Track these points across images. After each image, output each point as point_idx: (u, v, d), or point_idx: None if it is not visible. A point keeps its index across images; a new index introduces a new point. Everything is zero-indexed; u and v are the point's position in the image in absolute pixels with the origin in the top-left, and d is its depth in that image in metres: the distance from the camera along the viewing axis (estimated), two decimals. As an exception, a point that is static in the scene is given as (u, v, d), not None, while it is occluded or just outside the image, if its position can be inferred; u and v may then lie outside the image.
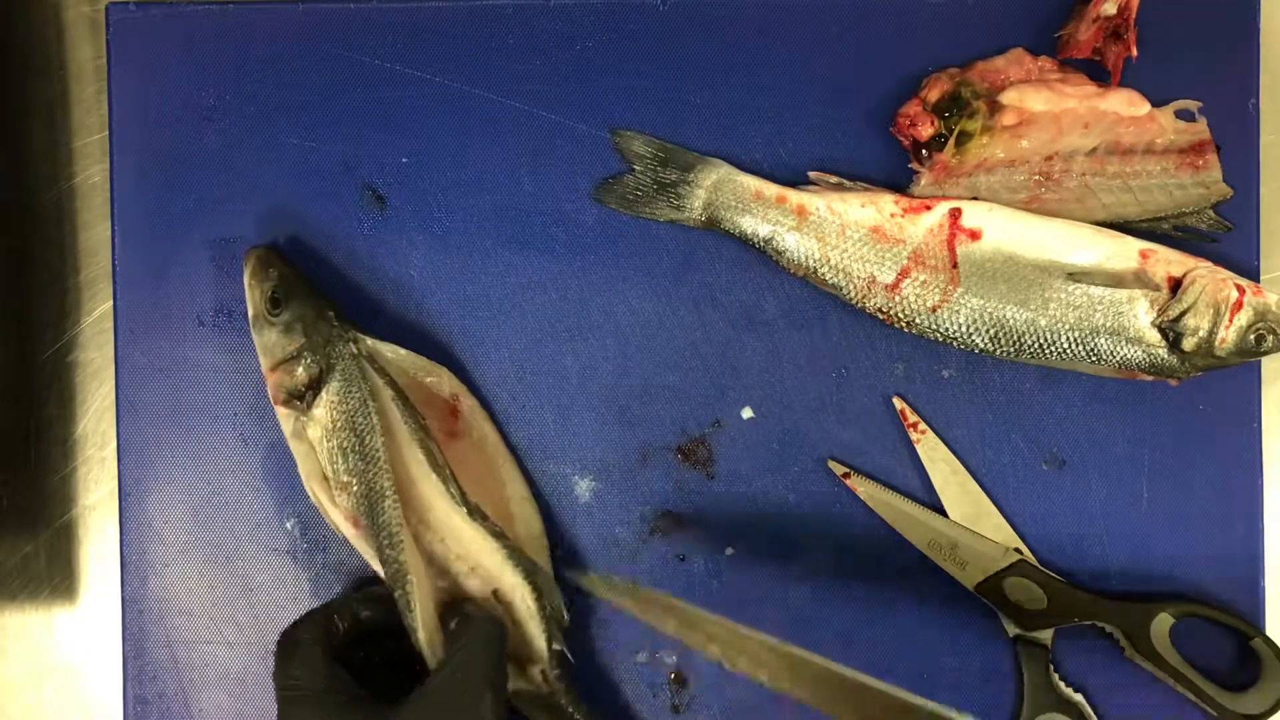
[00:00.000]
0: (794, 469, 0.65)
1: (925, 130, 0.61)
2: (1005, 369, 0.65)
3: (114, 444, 0.67)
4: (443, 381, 0.64)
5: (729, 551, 0.66)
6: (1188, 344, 0.60)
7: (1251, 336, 0.60)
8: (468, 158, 0.66)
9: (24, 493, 0.71)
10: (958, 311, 0.61)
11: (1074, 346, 0.61)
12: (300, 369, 0.61)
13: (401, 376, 0.62)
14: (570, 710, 0.62)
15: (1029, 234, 0.61)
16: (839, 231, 0.62)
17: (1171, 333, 0.60)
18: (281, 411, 0.62)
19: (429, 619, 0.59)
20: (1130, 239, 0.61)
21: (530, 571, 0.62)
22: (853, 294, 0.62)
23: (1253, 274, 0.63)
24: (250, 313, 0.63)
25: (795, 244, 0.62)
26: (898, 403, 0.65)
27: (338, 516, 0.61)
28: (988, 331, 0.61)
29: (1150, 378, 0.62)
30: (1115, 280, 0.60)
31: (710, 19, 0.65)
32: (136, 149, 0.66)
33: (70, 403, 0.70)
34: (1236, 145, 0.63)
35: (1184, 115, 0.62)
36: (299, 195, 0.66)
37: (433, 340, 0.66)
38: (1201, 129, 0.62)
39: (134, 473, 0.66)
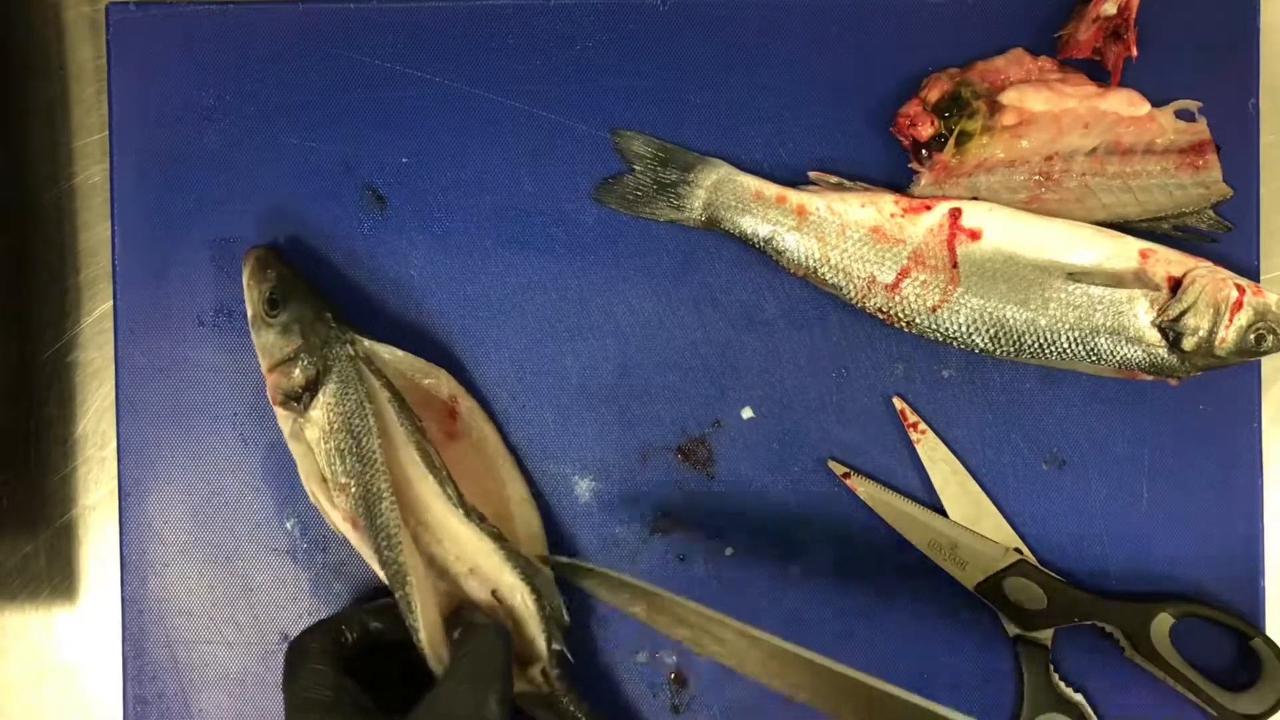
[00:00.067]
0: (794, 469, 0.65)
1: (925, 130, 0.61)
2: (1005, 369, 0.65)
3: (114, 444, 0.67)
4: (441, 383, 0.64)
5: (729, 551, 0.66)
6: (1188, 344, 0.60)
7: (1251, 336, 0.60)
8: (468, 158, 0.66)
9: (24, 493, 0.71)
10: (958, 311, 0.61)
11: (1074, 346, 0.61)
12: (297, 370, 0.61)
13: (399, 378, 0.62)
14: (572, 709, 0.62)
15: (1029, 234, 0.61)
16: (839, 231, 0.62)
17: (1171, 332, 0.60)
18: (280, 412, 0.62)
19: (430, 619, 0.59)
20: (1130, 239, 0.61)
21: (528, 572, 0.61)
22: (853, 294, 0.62)
23: (1253, 274, 0.63)
24: (249, 313, 0.63)
25: (795, 244, 0.62)
26: (898, 403, 0.65)
27: (337, 517, 0.61)
28: (988, 331, 0.61)
29: (1150, 378, 0.62)
30: (1115, 280, 0.60)
31: (710, 19, 0.65)
32: (136, 149, 0.66)
33: (70, 403, 0.70)
34: (1236, 145, 0.63)
35: (1184, 115, 0.62)
36: (299, 195, 0.66)
37: (432, 340, 0.66)
38: (1201, 129, 0.62)
39: (134, 473, 0.66)
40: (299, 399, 0.61)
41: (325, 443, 0.61)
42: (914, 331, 0.62)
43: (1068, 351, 0.61)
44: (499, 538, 0.61)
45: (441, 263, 0.66)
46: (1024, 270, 0.61)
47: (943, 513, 0.65)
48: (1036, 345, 0.61)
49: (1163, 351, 0.60)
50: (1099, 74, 0.62)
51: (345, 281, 0.66)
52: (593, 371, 0.66)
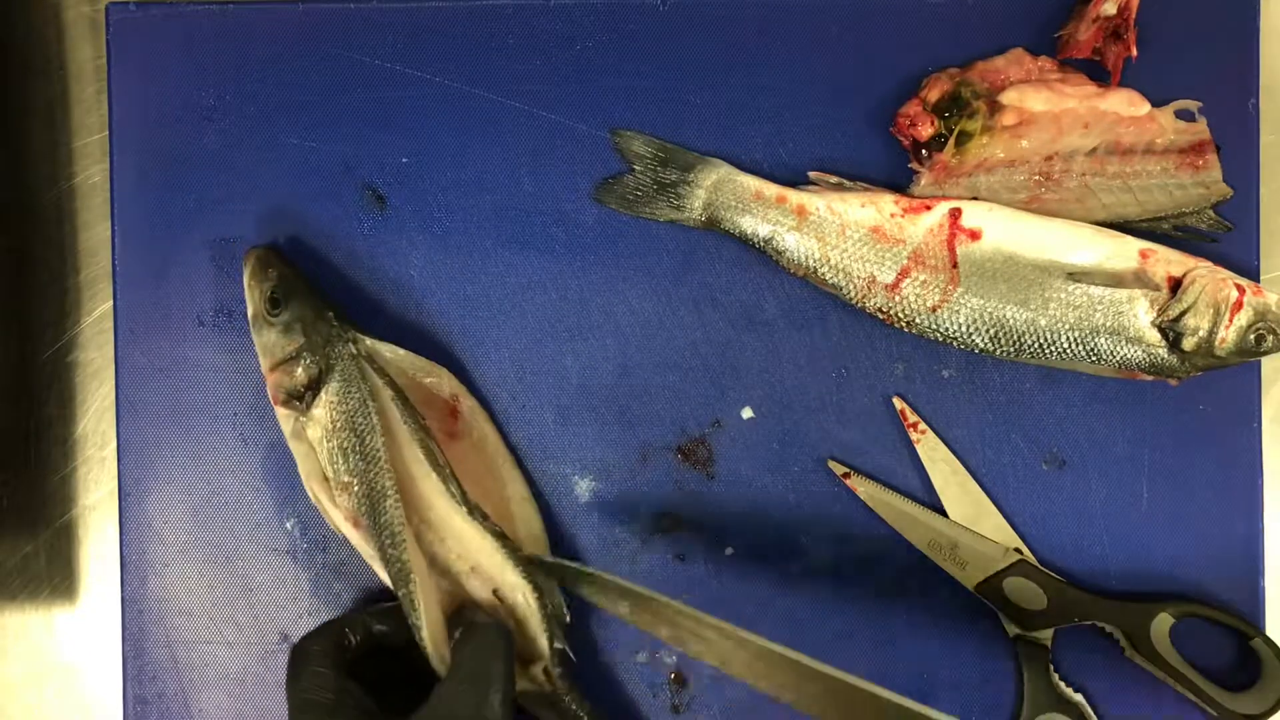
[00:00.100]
0: (794, 469, 0.65)
1: (925, 130, 0.61)
2: (1005, 369, 0.65)
3: (114, 444, 0.67)
4: (442, 382, 0.64)
5: (729, 551, 0.66)
6: (1188, 344, 0.60)
7: (1251, 336, 0.60)
8: (468, 158, 0.66)
9: (24, 493, 0.71)
10: (958, 311, 0.61)
11: (1074, 346, 0.61)
12: (299, 369, 0.61)
13: (401, 377, 0.63)
14: (574, 708, 0.62)
15: (1029, 234, 0.61)
16: (839, 231, 0.62)
17: (1171, 332, 0.60)
18: (281, 412, 0.62)
19: (433, 618, 0.59)
20: (1130, 239, 0.61)
21: (530, 570, 0.61)
22: (853, 294, 0.62)
23: (1253, 274, 0.63)
24: (250, 313, 0.63)
25: (795, 244, 0.62)
26: (898, 403, 0.65)
27: (338, 517, 0.61)
28: (988, 331, 0.61)
29: (1150, 378, 0.62)
30: (1115, 280, 0.60)
31: (710, 19, 0.65)
32: (136, 149, 0.66)
33: (70, 403, 0.70)
34: (1236, 145, 0.63)
35: (1184, 115, 0.62)
36: (299, 195, 0.66)
37: (433, 340, 0.66)
38: (1201, 129, 0.62)
39: (134, 473, 0.66)
40: (301, 398, 0.61)
41: (328, 441, 0.61)
42: (914, 331, 0.62)
43: (1068, 351, 0.61)
44: (501, 536, 0.61)
45: (441, 263, 0.66)
46: (1024, 270, 0.61)
47: (943, 513, 0.65)
48: (1036, 345, 0.61)
49: (1163, 351, 0.60)
50: (1099, 74, 0.62)
51: (345, 281, 0.66)
52: (593, 371, 0.66)
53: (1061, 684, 0.64)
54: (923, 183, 0.62)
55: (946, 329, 0.62)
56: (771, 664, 0.54)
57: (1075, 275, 0.60)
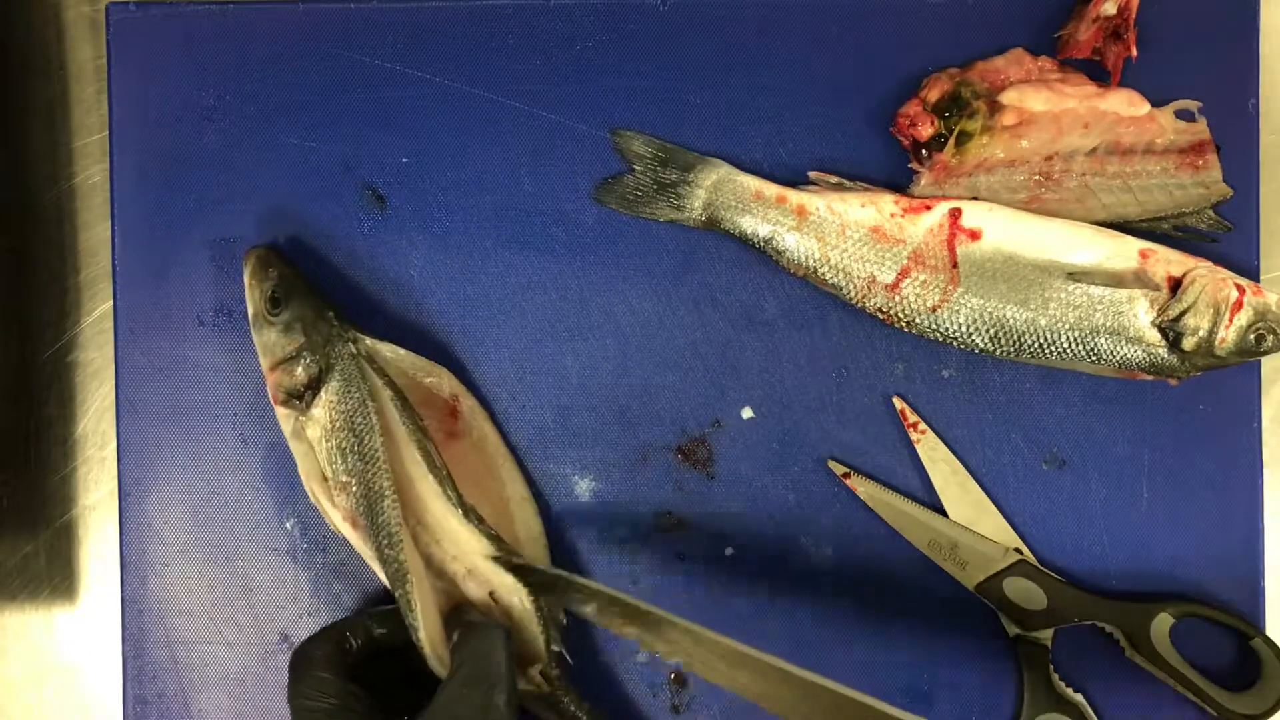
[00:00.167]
0: (794, 469, 0.65)
1: (925, 130, 0.61)
2: (1005, 369, 0.65)
3: (114, 444, 0.67)
4: (442, 382, 0.64)
5: (729, 551, 0.66)
6: (1188, 344, 0.60)
7: (1251, 336, 0.60)
8: (468, 158, 0.66)
9: (24, 493, 0.71)
10: (958, 311, 0.61)
11: (1074, 346, 0.61)
12: (299, 369, 0.61)
13: (401, 377, 0.63)
14: (573, 709, 0.62)
15: (1029, 234, 0.61)
16: (839, 231, 0.62)
17: (1171, 332, 0.60)
18: (281, 411, 0.62)
19: (430, 618, 0.59)
20: (1130, 239, 0.61)
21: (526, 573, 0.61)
22: (853, 294, 0.62)
23: (1253, 274, 0.63)
24: (250, 312, 0.63)
25: (795, 244, 0.62)
26: (898, 403, 0.65)
27: (337, 516, 0.61)
28: (988, 331, 0.61)
29: (1150, 378, 0.62)
30: (1115, 280, 0.60)
31: (710, 19, 0.65)
32: (136, 149, 0.66)
33: (70, 403, 0.70)
34: (1236, 145, 0.63)
35: (1184, 115, 0.62)
36: (299, 195, 0.66)
37: (433, 340, 0.66)
38: (1201, 129, 0.62)
39: (134, 473, 0.66)
40: (301, 397, 0.61)
41: (327, 441, 0.61)
42: (914, 331, 0.62)
43: (1068, 351, 0.61)
44: (496, 539, 0.61)
45: (441, 263, 0.66)
46: (1024, 270, 0.61)
47: (943, 513, 0.65)
48: (1036, 345, 0.61)
49: (1163, 351, 0.60)
50: (1099, 74, 0.62)
51: (345, 281, 0.66)
52: (593, 371, 0.66)
53: (1061, 684, 0.64)
54: (923, 183, 0.62)
55: (946, 329, 0.62)
56: (734, 664, 0.54)
57: (1075, 275, 0.60)
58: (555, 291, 0.66)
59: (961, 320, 0.61)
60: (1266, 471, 0.65)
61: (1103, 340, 0.61)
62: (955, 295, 0.61)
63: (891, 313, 0.62)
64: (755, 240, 0.63)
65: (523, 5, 0.65)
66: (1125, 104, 0.61)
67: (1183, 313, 0.59)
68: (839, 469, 0.65)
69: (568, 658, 0.63)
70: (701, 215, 0.64)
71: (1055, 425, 0.65)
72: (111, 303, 0.66)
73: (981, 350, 0.62)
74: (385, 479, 0.60)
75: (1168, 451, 0.65)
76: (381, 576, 0.60)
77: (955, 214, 0.61)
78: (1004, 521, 0.65)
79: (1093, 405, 0.65)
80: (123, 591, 0.66)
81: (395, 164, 0.66)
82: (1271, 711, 0.62)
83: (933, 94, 0.62)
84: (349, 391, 0.61)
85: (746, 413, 0.65)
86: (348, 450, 0.60)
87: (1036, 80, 0.62)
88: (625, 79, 0.65)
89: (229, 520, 0.66)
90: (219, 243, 0.66)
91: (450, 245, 0.66)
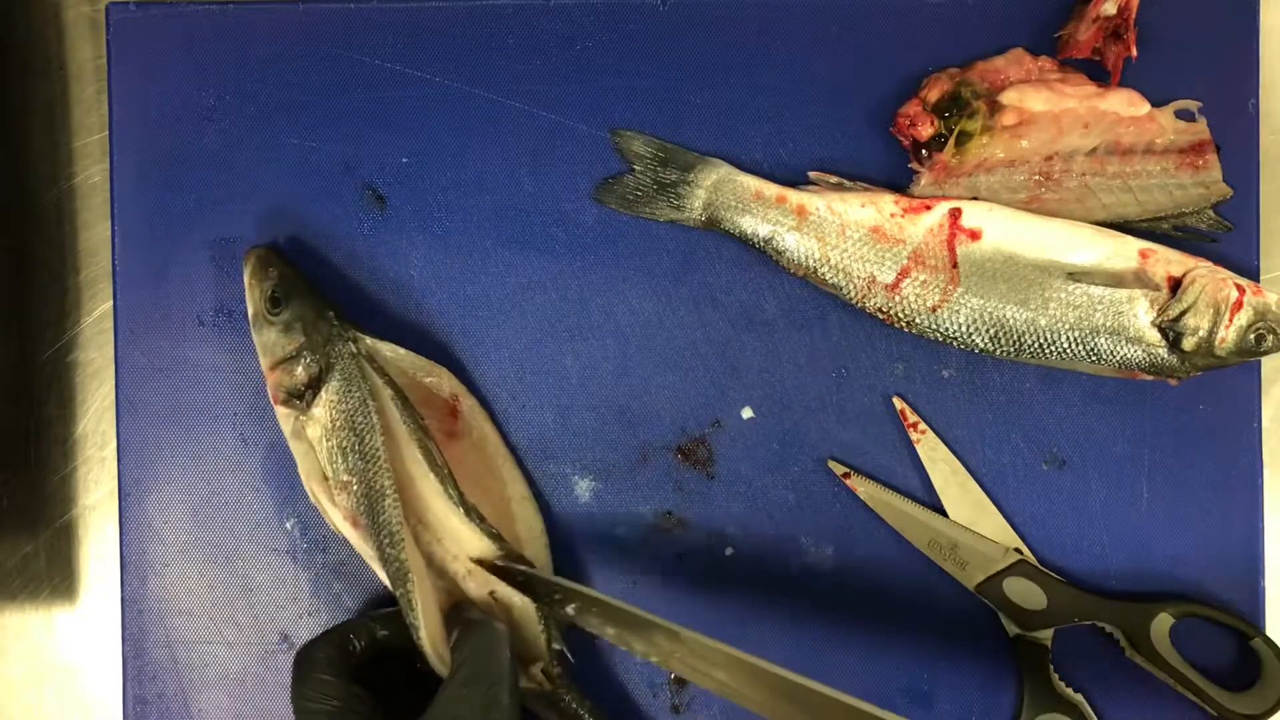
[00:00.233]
0: (794, 469, 0.65)
1: (925, 130, 0.61)
2: (1005, 369, 0.65)
3: (114, 444, 0.67)
4: (442, 381, 0.64)
5: (729, 551, 0.66)
6: (1188, 344, 0.60)
7: (1251, 336, 0.60)
8: (468, 158, 0.66)
9: (24, 493, 0.71)
10: (958, 311, 0.61)
11: (1074, 346, 0.61)
12: (300, 368, 0.61)
13: (401, 376, 0.63)
14: (574, 707, 0.62)
15: (1029, 234, 0.61)
16: (839, 231, 0.62)
17: (1171, 332, 0.60)
18: (281, 411, 0.62)
19: (431, 617, 0.59)
20: (1130, 239, 0.61)
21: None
22: (853, 294, 0.62)
23: (1253, 274, 0.63)
24: (250, 312, 0.63)
25: (795, 244, 0.62)
26: (898, 403, 0.65)
27: (337, 516, 0.61)
28: (988, 331, 0.61)
29: (1150, 378, 0.62)
30: (1115, 280, 0.60)
31: (710, 19, 0.65)
32: (136, 149, 0.66)
33: (70, 403, 0.70)
34: (1236, 145, 0.63)
35: (1184, 115, 0.62)
36: (299, 195, 0.66)
37: (433, 340, 0.66)
38: (1201, 129, 0.62)
39: (134, 473, 0.66)
40: (301, 397, 0.61)
41: (327, 440, 0.61)
42: (914, 331, 0.62)
43: (1068, 351, 0.61)
44: (498, 538, 0.61)
45: (441, 263, 0.66)
46: (1024, 270, 0.61)
47: (943, 513, 0.65)
48: (1036, 345, 0.61)
49: (1163, 351, 0.60)
50: (1099, 74, 0.62)
51: (345, 281, 0.66)
52: (593, 371, 0.66)
53: (1061, 684, 0.64)
54: (923, 183, 0.62)
55: (946, 329, 0.62)
56: (743, 674, 0.54)
57: (1075, 275, 0.60)
58: (555, 291, 0.66)
59: (961, 320, 0.61)
60: (1266, 471, 0.65)
61: (1103, 340, 0.61)
62: (955, 295, 0.61)
63: (891, 313, 0.62)
64: (755, 240, 0.63)
65: (523, 5, 0.65)
66: (1125, 104, 0.61)
67: (1183, 313, 0.59)
68: (839, 469, 0.65)
69: (569, 656, 0.63)
70: (701, 215, 0.64)
71: (1055, 425, 0.65)
72: (111, 303, 0.66)
73: (981, 350, 0.62)
74: (386, 478, 0.60)
75: (1168, 451, 0.65)
76: (382, 576, 0.60)
77: (955, 214, 0.61)
78: (1004, 521, 0.65)
79: (1093, 405, 0.65)
80: (123, 591, 0.66)
81: (395, 164, 0.66)
82: (1271, 711, 0.62)
83: (933, 94, 0.62)
84: (349, 391, 0.61)
85: (746, 413, 0.65)
86: (348, 449, 0.60)
87: (1036, 80, 0.62)
88: (625, 79, 0.65)
89: (229, 520, 0.66)
90: (219, 243, 0.66)
91: (450, 245, 0.66)
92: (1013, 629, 0.64)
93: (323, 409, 0.61)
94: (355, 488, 0.60)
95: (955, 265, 0.61)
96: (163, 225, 0.66)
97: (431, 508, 0.62)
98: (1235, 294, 0.59)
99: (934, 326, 0.62)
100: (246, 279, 0.63)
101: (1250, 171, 0.64)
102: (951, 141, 0.61)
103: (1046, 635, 0.64)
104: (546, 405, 0.66)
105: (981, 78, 0.62)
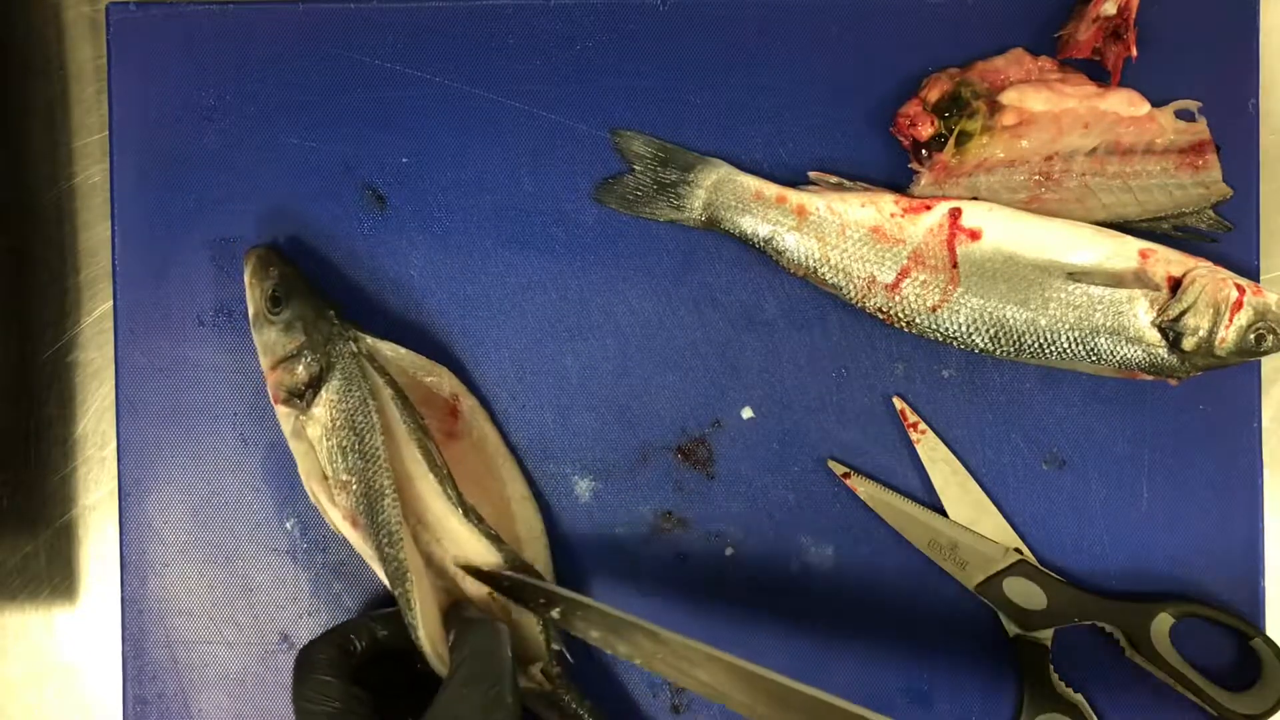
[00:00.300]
0: (794, 469, 0.65)
1: (925, 130, 0.61)
2: (1005, 369, 0.65)
3: (114, 444, 0.67)
4: (443, 381, 0.64)
5: (729, 552, 0.66)
6: (1188, 344, 0.60)
7: (1251, 336, 0.60)
8: (468, 158, 0.66)
9: (24, 493, 0.71)
10: (958, 311, 0.61)
11: (1074, 346, 0.61)
12: (300, 367, 0.61)
13: (401, 376, 0.63)
14: (574, 707, 0.62)
15: (1029, 234, 0.61)
16: (839, 231, 0.62)
17: (1171, 332, 0.60)
18: (281, 410, 0.62)
19: (429, 617, 0.59)
20: (1130, 239, 0.61)
21: (526, 573, 0.61)
22: (853, 294, 0.62)
23: (1253, 274, 0.63)
24: (250, 311, 0.63)
25: (795, 244, 0.62)
26: (898, 403, 0.65)
27: (336, 516, 0.61)
28: (988, 331, 0.61)
29: (1150, 378, 0.62)
30: (1115, 280, 0.60)
31: (710, 19, 0.65)
32: (136, 149, 0.66)
33: (70, 403, 0.70)
34: (1236, 145, 0.63)
35: (1184, 115, 0.62)
36: (299, 195, 0.66)
37: (433, 340, 0.66)
38: (1201, 129, 0.62)
39: (134, 473, 0.66)
40: (301, 396, 0.61)
41: (327, 440, 0.61)
42: (914, 331, 0.62)
43: (1068, 351, 0.61)
44: (496, 538, 0.61)
45: (441, 263, 0.66)
46: (1024, 270, 0.61)
47: (943, 513, 0.65)
48: (1036, 345, 0.61)
49: (1163, 351, 0.60)
50: (1099, 74, 0.62)
51: (345, 281, 0.66)
52: (593, 371, 0.66)
53: (1061, 684, 0.64)
54: (923, 183, 0.62)
55: (946, 329, 0.62)
56: (723, 674, 0.54)
57: (1075, 275, 0.60)
58: (555, 291, 0.66)
59: (961, 320, 0.61)
60: (1266, 471, 0.65)
61: (1103, 340, 0.61)
62: (955, 295, 0.61)
63: (891, 313, 0.62)
64: (755, 240, 0.63)
65: (523, 5, 0.65)
66: (1125, 104, 0.61)
67: (1183, 313, 0.59)
68: (839, 469, 0.65)
69: (568, 656, 0.63)
70: (701, 215, 0.64)
71: (1055, 425, 0.65)
72: (111, 303, 0.66)
73: (981, 350, 0.62)
74: (386, 478, 0.60)
75: (1168, 451, 0.65)
76: (381, 576, 0.60)
77: (955, 214, 0.61)
78: (1004, 521, 0.65)
79: (1093, 405, 0.65)
80: (123, 591, 0.66)
81: (395, 164, 0.66)
82: (1271, 711, 0.62)
83: (933, 94, 0.62)
84: (350, 390, 0.61)
85: (746, 413, 0.65)
86: (348, 449, 0.60)
87: (1036, 80, 0.62)
88: (625, 79, 0.65)
89: (229, 520, 0.66)
90: (219, 243, 0.66)
91: (450, 245, 0.66)
92: (1013, 629, 0.64)
93: (323, 408, 0.61)
94: (355, 487, 0.60)
95: (955, 265, 0.61)
96: (163, 225, 0.66)
97: (431, 508, 0.62)
98: (1235, 294, 0.59)
99: (934, 326, 0.62)
100: (247, 278, 0.63)
101: (1250, 171, 0.64)
102: (951, 141, 0.61)
103: (1046, 635, 0.64)
104: (546, 405, 0.66)
105: (981, 78, 0.62)
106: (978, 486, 0.65)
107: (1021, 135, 0.61)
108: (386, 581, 0.60)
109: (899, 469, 0.65)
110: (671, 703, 0.66)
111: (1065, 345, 0.61)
